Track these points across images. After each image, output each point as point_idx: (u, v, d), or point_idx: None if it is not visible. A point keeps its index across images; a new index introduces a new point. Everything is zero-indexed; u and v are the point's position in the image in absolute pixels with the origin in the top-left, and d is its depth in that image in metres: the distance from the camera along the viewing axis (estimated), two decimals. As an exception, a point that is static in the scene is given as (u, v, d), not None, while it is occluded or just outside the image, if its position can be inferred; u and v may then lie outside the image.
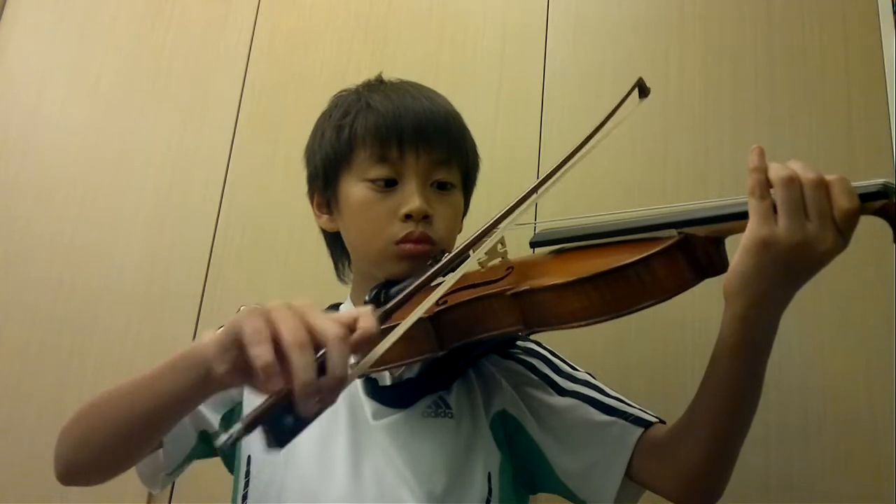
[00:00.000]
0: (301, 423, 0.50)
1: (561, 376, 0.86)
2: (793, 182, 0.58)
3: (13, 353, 1.38)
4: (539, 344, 0.93)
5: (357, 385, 0.84)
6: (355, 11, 1.48)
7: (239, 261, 1.38)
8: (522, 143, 1.32)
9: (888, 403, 1.07)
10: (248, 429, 0.47)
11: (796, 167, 0.59)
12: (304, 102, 1.42)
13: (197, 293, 1.36)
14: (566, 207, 1.23)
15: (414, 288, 0.61)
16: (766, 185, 0.59)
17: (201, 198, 1.42)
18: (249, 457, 0.82)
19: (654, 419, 0.80)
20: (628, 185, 1.26)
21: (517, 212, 0.70)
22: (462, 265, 0.65)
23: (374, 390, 0.84)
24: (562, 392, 0.84)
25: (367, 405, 0.83)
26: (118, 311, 1.38)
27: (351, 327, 0.52)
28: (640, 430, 0.78)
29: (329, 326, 0.51)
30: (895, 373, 1.07)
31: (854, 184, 0.58)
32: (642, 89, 0.81)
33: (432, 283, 0.63)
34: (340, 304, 0.97)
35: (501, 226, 0.69)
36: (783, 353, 1.12)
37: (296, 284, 1.31)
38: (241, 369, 0.54)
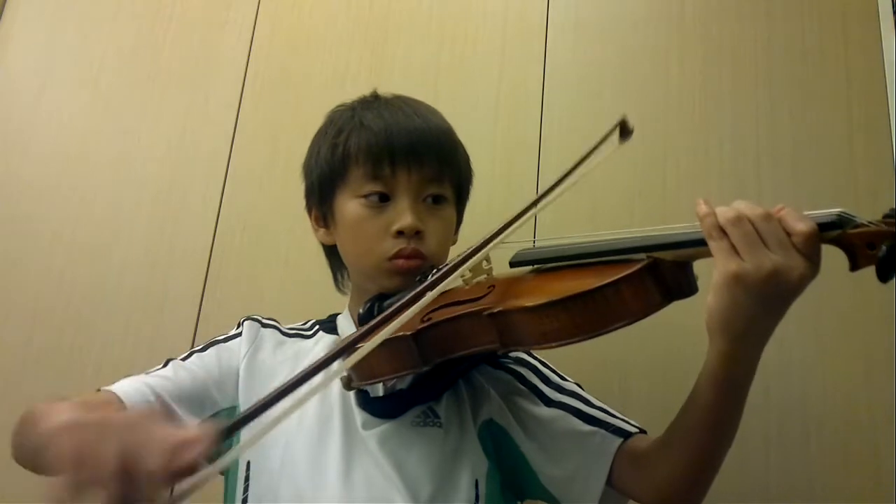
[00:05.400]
0: None
1: (549, 387, 0.88)
2: (740, 219, 0.60)
3: (13, 353, 1.38)
4: (530, 353, 0.94)
5: (350, 396, 0.86)
6: (355, 11, 1.48)
7: (239, 261, 1.38)
8: (522, 143, 1.32)
9: (888, 404, 1.07)
10: None
11: (741, 206, 0.61)
12: (304, 102, 1.42)
13: (197, 293, 1.36)
14: (566, 207, 1.23)
15: (393, 311, 0.63)
16: (719, 227, 0.61)
17: (201, 198, 1.42)
18: (249, 462, 0.84)
19: (635, 430, 0.82)
20: (628, 185, 1.26)
21: (491, 245, 0.71)
22: (435, 289, 0.66)
23: (366, 401, 0.86)
24: (548, 402, 0.86)
25: (358, 415, 0.86)
26: (118, 311, 1.38)
27: (178, 451, 0.48)
28: (619, 441, 0.80)
29: (149, 456, 0.47)
30: (895, 374, 1.07)
31: (811, 213, 0.60)
32: (623, 130, 0.81)
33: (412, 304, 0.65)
34: (339, 314, 0.99)
35: (480, 253, 0.71)
36: (783, 354, 1.12)
37: (296, 284, 1.32)
38: None
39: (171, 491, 0.48)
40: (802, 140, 1.22)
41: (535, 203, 0.75)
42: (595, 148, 0.78)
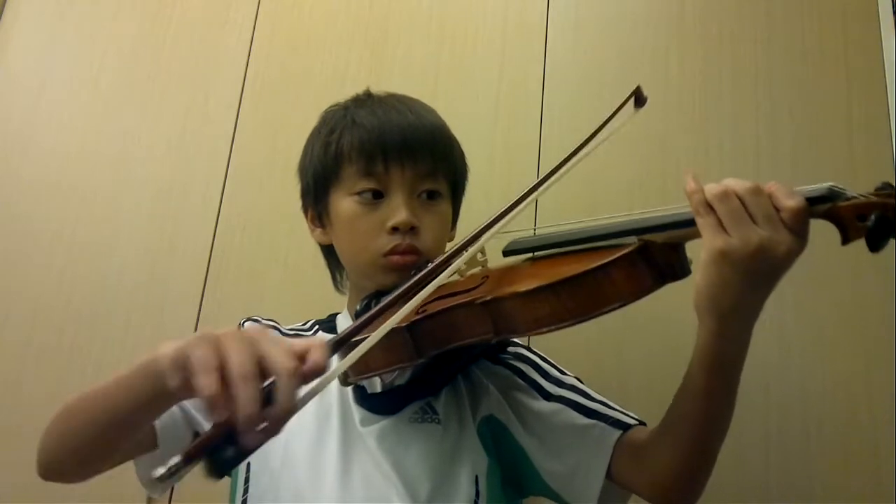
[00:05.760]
0: (242, 454, 0.49)
1: (549, 381, 0.88)
2: (727, 195, 0.60)
3: (13, 352, 1.38)
4: (529, 349, 0.94)
5: (348, 392, 0.86)
6: (355, 11, 1.48)
7: (239, 261, 1.38)
8: (522, 142, 1.32)
9: (888, 403, 1.07)
10: (189, 461, 0.48)
11: (729, 181, 0.61)
12: (304, 102, 1.42)
13: (197, 293, 1.36)
14: (566, 207, 1.23)
15: (388, 302, 0.63)
16: (706, 203, 0.61)
17: (201, 198, 1.42)
18: (249, 463, 0.84)
19: (633, 422, 0.82)
20: (628, 185, 1.26)
21: (498, 225, 0.71)
22: (434, 280, 0.66)
23: (363, 398, 0.86)
24: (548, 397, 0.86)
25: (356, 412, 0.85)
26: (118, 311, 1.38)
27: (302, 357, 0.52)
28: (618, 433, 0.80)
29: (279, 358, 0.51)
30: (895, 373, 1.07)
31: (801, 188, 0.59)
32: (639, 98, 0.81)
33: (409, 295, 0.65)
34: (338, 314, 0.99)
35: (483, 238, 0.71)
36: (783, 353, 1.12)
37: (296, 284, 1.31)
38: (193, 389, 0.53)
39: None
40: (802, 140, 1.22)
41: (540, 183, 0.75)
42: (612, 117, 0.78)
